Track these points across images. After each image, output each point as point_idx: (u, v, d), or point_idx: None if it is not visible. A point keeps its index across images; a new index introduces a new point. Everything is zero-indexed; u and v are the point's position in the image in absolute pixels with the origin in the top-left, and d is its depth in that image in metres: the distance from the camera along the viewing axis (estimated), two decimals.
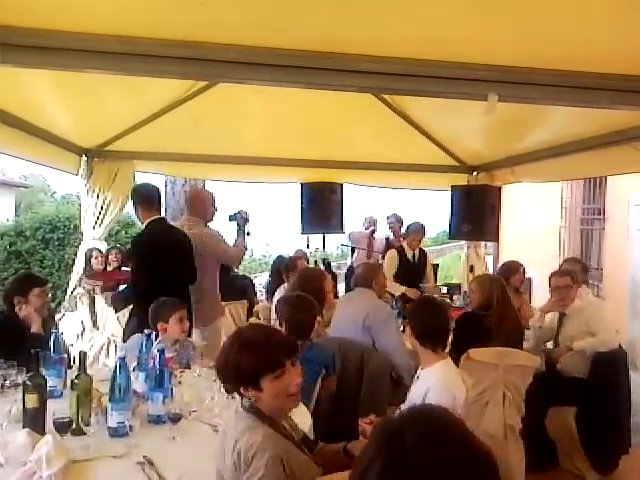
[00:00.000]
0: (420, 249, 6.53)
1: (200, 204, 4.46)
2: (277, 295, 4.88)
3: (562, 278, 4.29)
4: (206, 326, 4.33)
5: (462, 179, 7.07)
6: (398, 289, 5.81)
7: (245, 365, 1.92)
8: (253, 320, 5.01)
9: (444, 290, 6.55)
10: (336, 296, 5.73)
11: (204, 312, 4.35)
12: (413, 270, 6.28)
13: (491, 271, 6.94)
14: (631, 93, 3.16)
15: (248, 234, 4.67)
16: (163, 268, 4.01)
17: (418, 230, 6.49)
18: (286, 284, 5.11)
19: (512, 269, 5.16)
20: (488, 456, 1.05)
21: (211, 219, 4.50)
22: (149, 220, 4.26)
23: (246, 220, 4.64)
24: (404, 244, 6.54)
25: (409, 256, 6.38)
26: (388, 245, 7.82)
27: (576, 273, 4.45)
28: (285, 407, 2.02)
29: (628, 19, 2.48)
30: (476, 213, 6.49)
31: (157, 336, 3.31)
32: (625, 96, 3.18)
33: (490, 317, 3.88)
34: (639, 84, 3.11)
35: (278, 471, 1.81)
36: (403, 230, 7.26)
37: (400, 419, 1.10)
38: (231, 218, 4.71)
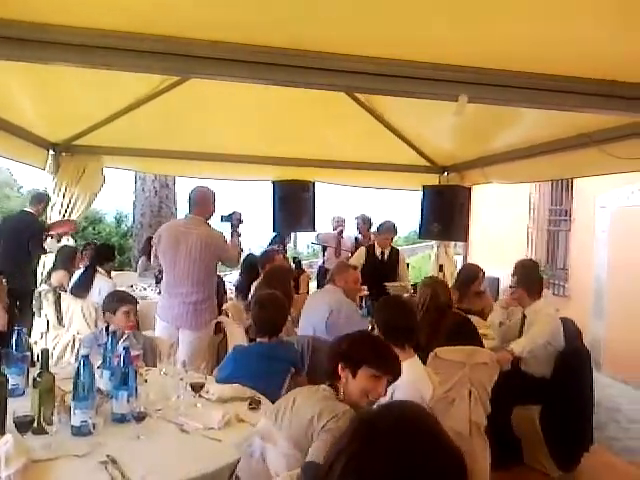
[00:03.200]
0: (393, 248, 6.52)
1: (205, 203, 4.37)
2: (252, 291, 4.86)
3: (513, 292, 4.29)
4: (197, 330, 4.26)
5: (433, 179, 7.14)
6: None
7: (363, 349, 2.15)
8: (222, 319, 4.96)
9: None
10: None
11: (202, 314, 4.30)
12: (381, 269, 6.26)
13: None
14: (597, 97, 3.24)
15: (240, 235, 4.62)
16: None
17: (389, 229, 6.49)
18: None
19: (472, 276, 5.02)
20: (457, 451, 1.05)
21: (210, 218, 4.44)
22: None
23: (240, 221, 4.58)
24: (375, 243, 6.55)
25: (377, 254, 6.38)
26: (357, 245, 7.86)
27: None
28: (354, 405, 2.08)
29: (598, 23, 2.53)
30: (446, 213, 6.56)
31: (107, 328, 3.41)
32: (592, 99, 3.25)
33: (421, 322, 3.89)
34: (605, 88, 3.18)
35: None
36: (374, 229, 7.28)
37: (375, 410, 1.11)
38: (224, 219, 4.61)
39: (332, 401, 2.06)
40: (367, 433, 1.03)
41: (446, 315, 3.93)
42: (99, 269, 5.40)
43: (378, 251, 6.39)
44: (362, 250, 6.51)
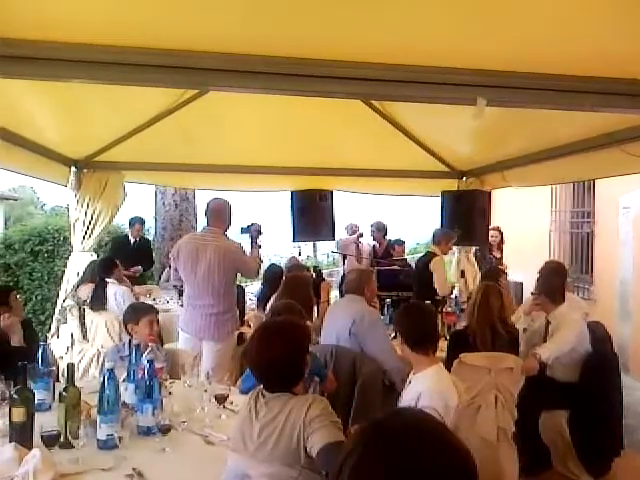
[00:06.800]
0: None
1: (221, 215, 4.40)
2: (272, 301, 4.86)
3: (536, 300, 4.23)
4: (220, 341, 4.30)
5: (452, 184, 7.08)
6: None
7: None
8: (244, 329, 4.97)
9: None
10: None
11: (224, 325, 4.33)
12: None
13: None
14: (618, 96, 3.18)
15: (259, 247, 4.64)
16: None
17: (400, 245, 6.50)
18: None
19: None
20: (466, 453, 1.03)
21: (227, 229, 4.48)
22: None
23: (259, 232, 4.60)
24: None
25: None
26: (375, 253, 7.88)
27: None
28: None
29: (616, 22, 2.50)
30: (466, 218, 6.50)
31: (130, 339, 3.43)
32: (612, 99, 3.20)
33: (469, 326, 3.85)
34: (626, 86, 3.13)
35: None
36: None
37: (384, 414, 1.10)
38: (243, 230, 4.63)
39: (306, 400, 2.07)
40: (374, 434, 1.04)
41: (497, 326, 3.76)
42: (108, 280, 5.44)
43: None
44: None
